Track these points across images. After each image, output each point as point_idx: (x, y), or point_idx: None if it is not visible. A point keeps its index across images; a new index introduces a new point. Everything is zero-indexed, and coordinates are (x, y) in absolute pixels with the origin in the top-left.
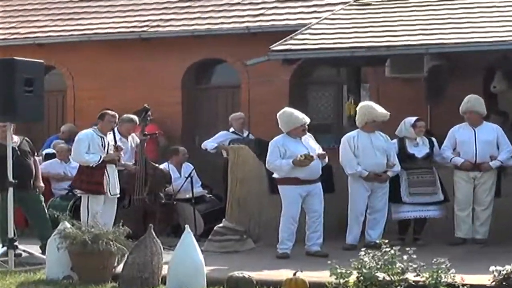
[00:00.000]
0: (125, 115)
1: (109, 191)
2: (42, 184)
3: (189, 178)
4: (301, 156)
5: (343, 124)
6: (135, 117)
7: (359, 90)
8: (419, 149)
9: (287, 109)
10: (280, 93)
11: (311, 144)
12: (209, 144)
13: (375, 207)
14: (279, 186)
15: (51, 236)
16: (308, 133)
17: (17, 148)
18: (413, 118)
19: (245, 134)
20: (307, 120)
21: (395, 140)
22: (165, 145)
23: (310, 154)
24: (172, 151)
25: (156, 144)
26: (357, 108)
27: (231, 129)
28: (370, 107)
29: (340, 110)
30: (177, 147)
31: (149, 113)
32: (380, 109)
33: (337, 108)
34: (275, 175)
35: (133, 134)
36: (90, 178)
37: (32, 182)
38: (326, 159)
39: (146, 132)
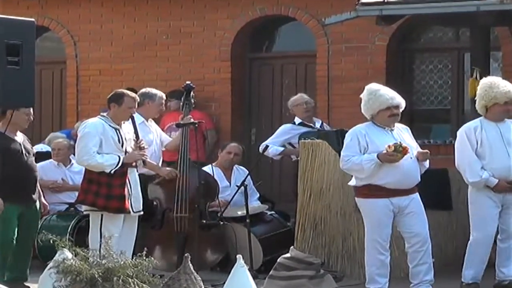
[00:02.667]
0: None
1: (132, 207)
2: (44, 200)
3: (242, 188)
4: (388, 146)
5: (465, 110)
6: (161, 93)
7: (488, 61)
8: None
9: (373, 85)
10: (374, 65)
11: (405, 139)
12: (271, 148)
13: (509, 231)
14: (357, 199)
15: (27, 271)
16: (402, 125)
17: (22, 145)
18: None
19: (317, 124)
20: (399, 101)
21: None
22: (215, 142)
23: (402, 144)
24: (218, 148)
25: (201, 139)
26: (478, 87)
27: (297, 120)
28: (491, 84)
29: (460, 89)
30: (228, 143)
31: (193, 93)
32: (505, 87)
33: (456, 87)
34: (352, 182)
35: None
36: (108, 191)
37: (36, 193)
38: (427, 163)
39: (181, 122)
